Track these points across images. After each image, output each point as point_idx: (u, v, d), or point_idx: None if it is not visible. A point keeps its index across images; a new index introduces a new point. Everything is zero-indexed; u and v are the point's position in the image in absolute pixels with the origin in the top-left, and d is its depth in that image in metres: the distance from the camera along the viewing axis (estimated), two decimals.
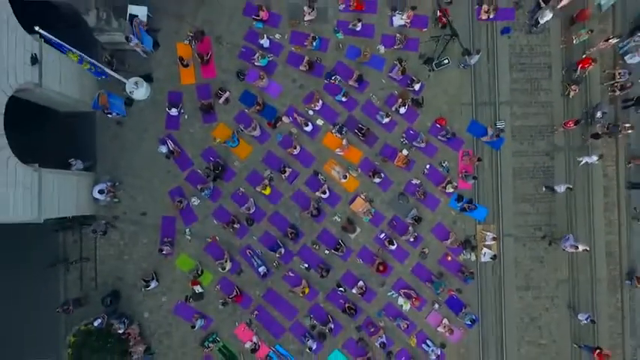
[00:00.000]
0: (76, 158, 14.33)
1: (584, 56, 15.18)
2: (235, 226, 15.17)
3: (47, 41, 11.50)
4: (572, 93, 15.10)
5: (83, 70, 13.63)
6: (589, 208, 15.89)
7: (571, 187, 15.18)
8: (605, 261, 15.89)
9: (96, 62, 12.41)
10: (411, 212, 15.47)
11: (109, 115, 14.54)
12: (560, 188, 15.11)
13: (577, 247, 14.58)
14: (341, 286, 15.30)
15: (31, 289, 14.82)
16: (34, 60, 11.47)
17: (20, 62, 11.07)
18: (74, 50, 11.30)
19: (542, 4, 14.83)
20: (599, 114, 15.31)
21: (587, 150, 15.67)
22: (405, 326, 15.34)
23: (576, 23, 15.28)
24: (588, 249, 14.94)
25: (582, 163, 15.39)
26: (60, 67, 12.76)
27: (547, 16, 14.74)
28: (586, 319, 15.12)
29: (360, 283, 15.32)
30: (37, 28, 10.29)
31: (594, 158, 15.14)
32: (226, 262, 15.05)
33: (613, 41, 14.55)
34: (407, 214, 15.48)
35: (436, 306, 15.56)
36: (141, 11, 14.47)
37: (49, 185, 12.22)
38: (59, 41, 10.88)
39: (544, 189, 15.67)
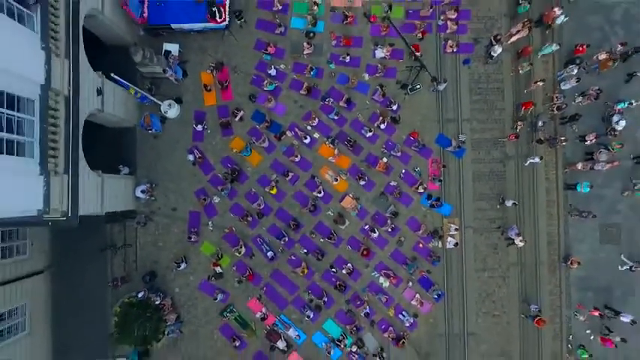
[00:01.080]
0: (123, 165, 17.94)
1: (531, 83, 18.90)
2: (248, 219, 18.51)
3: (107, 77, 15.16)
4: (519, 127, 18.58)
5: (127, 97, 17.23)
6: (534, 205, 19.36)
7: (516, 203, 18.78)
8: (547, 247, 19.33)
9: (144, 93, 16.03)
10: (389, 208, 18.88)
11: (149, 131, 18.11)
12: (509, 202, 18.74)
13: (519, 234, 18.32)
14: (333, 267, 18.61)
15: (84, 269, 18.17)
16: (99, 92, 15.08)
17: (90, 94, 14.65)
18: (134, 87, 14.91)
19: (494, 42, 18.46)
20: (540, 123, 18.81)
21: (532, 153, 19.05)
22: (385, 300, 18.66)
23: (522, 57, 18.93)
24: (524, 242, 18.52)
25: (528, 163, 18.96)
26: (113, 95, 16.33)
27: (497, 51, 18.37)
28: (535, 309, 18.65)
29: (349, 265, 18.56)
30: (112, 75, 13.95)
31: (537, 159, 18.72)
32: (241, 248, 18.33)
33: (540, 84, 18.18)
34: (386, 210, 18.89)
35: (410, 284, 18.84)
36: (173, 48, 18.00)
37: (107, 186, 15.77)
38: (124, 81, 14.54)
39: (499, 203, 19.16)
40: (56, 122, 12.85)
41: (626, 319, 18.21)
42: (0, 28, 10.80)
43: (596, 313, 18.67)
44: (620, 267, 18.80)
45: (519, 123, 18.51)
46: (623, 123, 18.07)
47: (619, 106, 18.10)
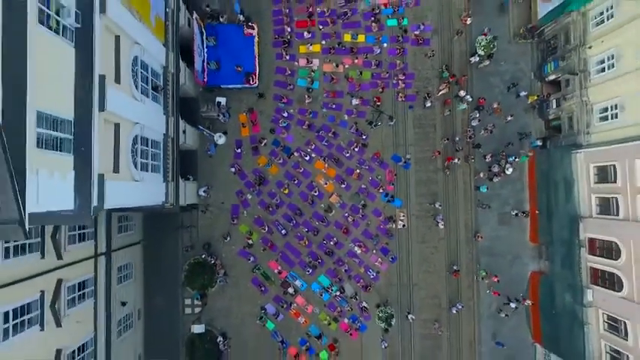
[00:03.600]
0: (189, 175, 28.06)
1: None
2: (270, 209, 28.43)
3: (191, 125, 25.36)
4: (447, 172, 28.77)
5: (194, 132, 27.34)
6: (455, 200, 29.38)
7: (441, 204, 28.58)
8: (464, 228, 29.20)
9: (210, 132, 26.23)
10: (361, 202, 28.91)
11: (207, 152, 28.31)
12: (437, 204, 28.77)
13: (442, 220, 28.58)
14: (324, 240, 28.50)
15: (165, 241, 28.35)
16: (184, 132, 25.23)
17: (180, 134, 24.78)
18: (206, 130, 25.17)
19: (427, 97, 28.65)
20: (457, 138, 28.99)
21: (453, 157, 28.85)
22: (358, 262, 28.52)
23: (446, 105, 29.15)
24: (443, 227, 28.58)
25: (451, 163, 28.95)
26: (190, 131, 26.47)
27: (429, 103, 28.73)
28: (455, 268, 28.81)
29: (335, 239, 28.39)
30: (199, 127, 24.15)
31: (456, 160, 28.65)
32: (265, 227, 28.37)
33: (446, 141, 28.46)
34: (359, 203, 28.92)
35: (374, 251, 28.63)
36: (223, 100, 28.09)
37: (186, 188, 25.98)
38: (202, 128, 24.75)
39: (431, 205, 29.17)
40: (168, 152, 23.02)
41: (512, 305, 27.99)
42: (153, 110, 20.97)
43: (496, 280, 28.59)
44: (511, 212, 28.85)
45: (446, 171, 28.76)
46: (511, 169, 28.25)
47: (510, 159, 28.36)
